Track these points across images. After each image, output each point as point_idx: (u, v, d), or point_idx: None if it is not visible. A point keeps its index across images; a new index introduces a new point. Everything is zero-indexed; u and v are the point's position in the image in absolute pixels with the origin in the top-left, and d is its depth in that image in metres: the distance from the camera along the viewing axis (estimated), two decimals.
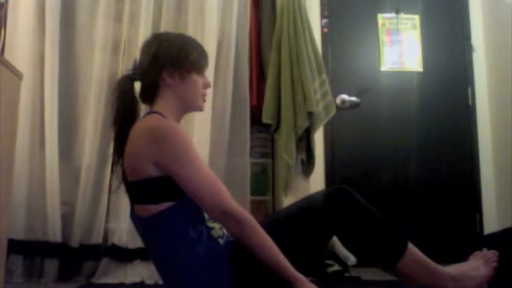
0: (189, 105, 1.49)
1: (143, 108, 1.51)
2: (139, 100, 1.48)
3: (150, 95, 1.46)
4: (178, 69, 1.44)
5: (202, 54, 1.51)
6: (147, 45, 1.49)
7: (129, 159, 1.35)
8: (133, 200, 1.38)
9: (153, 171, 1.30)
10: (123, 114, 1.43)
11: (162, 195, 1.31)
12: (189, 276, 1.32)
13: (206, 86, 1.51)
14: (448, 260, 1.55)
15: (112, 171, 1.50)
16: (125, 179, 1.41)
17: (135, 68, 1.48)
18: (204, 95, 1.51)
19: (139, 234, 1.45)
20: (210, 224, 1.37)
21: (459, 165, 3.19)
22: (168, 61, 1.44)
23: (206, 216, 1.37)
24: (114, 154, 1.47)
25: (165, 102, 1.44)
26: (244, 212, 1.30)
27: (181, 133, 1.33)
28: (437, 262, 1.43)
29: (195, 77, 1.47)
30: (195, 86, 1.47)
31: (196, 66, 1.47)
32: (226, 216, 1.29)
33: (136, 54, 1.55)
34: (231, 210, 1.28)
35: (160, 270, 1.42)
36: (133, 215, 1.40)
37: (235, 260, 1.33)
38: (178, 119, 1.49)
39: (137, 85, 1.49)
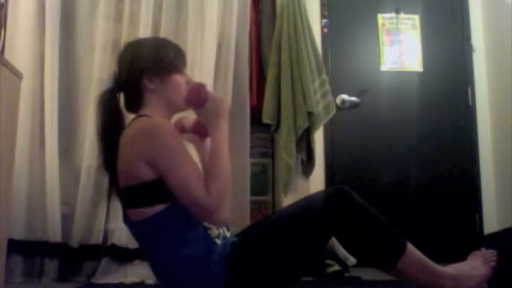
0: (174, 106, 1.47)
1: (131, 117, 1.49)
2: (124, 111, 1.47)
3: (135, 103, 1.45)
4: (157, 72, 1.43)
5: (179, 53, 1.50)
6: (123, 55, 1.49)
7: (124, 165, 1.34)
8: (128, 205, 1.37)
9: (147, 174, 1.28)
10: (109, 128, 1.41)
11: (156, 197, 1.30)
12: (186, 277, 1.32)
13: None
14: (448, 260, 1.55)
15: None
16: (116, 187, 1.40)
17: (116, 79, 1.47)
18: None
19: (135, 238, 1.45)
20: (207, 224, 1.36)
21: (459, 165, 3.19)
22: (146, 66, 1.43)
23: None
24: (103, 165, 1.44)
25: (151, 107, 1.43)
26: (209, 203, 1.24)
27: (168, 128, 1.33)
28: (437, 262, 1.43)
29: (176, 77, 1.45)
30: (177, 86, 1.45)
31: (175, 66, 1.46)
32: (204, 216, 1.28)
33: None
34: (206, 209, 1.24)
35: (157, 271, 1.42)
36: (127, 220, 1.39)
37: (232, 260, 1.33)
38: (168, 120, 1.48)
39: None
